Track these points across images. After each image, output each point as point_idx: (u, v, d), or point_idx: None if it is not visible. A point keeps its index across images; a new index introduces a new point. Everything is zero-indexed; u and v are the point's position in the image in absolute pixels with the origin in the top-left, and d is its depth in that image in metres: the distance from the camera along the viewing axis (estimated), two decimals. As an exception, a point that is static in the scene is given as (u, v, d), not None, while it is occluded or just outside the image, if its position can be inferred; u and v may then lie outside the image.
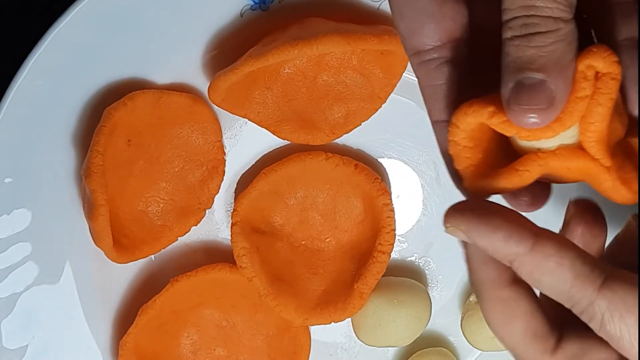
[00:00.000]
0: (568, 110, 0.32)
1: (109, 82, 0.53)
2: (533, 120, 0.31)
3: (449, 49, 0.36)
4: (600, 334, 0.31)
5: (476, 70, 0.36)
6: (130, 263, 0.56)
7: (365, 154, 0.57)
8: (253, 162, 0.57)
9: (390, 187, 0.57)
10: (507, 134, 0.33)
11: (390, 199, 0.56)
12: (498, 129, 0.33)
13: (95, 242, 0.53)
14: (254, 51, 0.52)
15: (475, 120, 0.33)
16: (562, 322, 0.33)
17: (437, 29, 0.35)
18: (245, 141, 0.57)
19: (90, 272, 0.56)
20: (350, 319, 0.56)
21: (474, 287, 0.34)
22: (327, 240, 0.57)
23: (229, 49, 0.54)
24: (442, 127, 0.36)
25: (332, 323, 0.55)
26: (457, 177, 0.36)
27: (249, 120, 0.56)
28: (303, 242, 0.57)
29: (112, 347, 0.56)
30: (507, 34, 0.31)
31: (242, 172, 0.57)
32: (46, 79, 0.52)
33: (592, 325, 0.31)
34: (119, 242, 0.54)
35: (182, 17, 0.53)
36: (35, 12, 0.58)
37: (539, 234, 0.32)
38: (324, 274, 0.57)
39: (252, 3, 0.53)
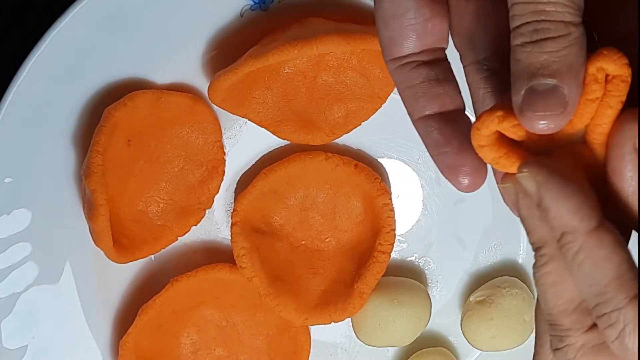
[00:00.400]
0: (579, 112, 0.32)
1: (109, 82, 0.53)
2: (546, 125, 0.31)
3: (425, 54, 0.37)
4: (613, 343, 0.31)
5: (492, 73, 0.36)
6: (130, 263, 0.56)
7: (365, 154, 0.57)
8: (253, 162, 0.57)
9: (390, 187, 0.57)
10: (517, 138, 0.33)
11: (390, 199, 0.56)
12: (508, 133, 0.33)
13: (95, 242, 0.53)
14: (254, 51, 0.52)
15: (488, 130, 0.33)
16: None
17: (418, 42, 0.37)
18: (245, 141, 0.57)
19: (90, 272, 0.56)
20: (350, 319, 0.56)
21: (531, 243, 0.33)
22: (327, 240, 0.57)
23: (228, 49, 0.54)
24: (424, 122, 0.37)
25: (332, 323, 0.55)
26: (449, 172, 0.37)
27: (249, 120, 0.56)
28: (303, 242, 0.57)
29: (112, 347, 0.56)
30: (518, 40, 0.31)
31: (242, 172, 0.57)
32: (46, 79, 0.52)
33: (608, 331, 0.31)
34: (119, 242, 0.54)
35: (182, 17, 0.53)
36: (35, 12, 0.58)
37: (603, 221, 0.31)
38: (324, 274, 0.57)
39: (252, 3, 0.53)
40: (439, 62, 0.37)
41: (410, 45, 0.37)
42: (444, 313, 0.59)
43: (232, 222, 0.55)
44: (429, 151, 0.37)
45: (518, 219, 0.34)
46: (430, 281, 0.59)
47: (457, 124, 0.37)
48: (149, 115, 0.54)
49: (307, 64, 0.55)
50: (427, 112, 0.37)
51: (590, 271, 0.31)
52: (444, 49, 0.38)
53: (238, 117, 0.56)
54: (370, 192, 0.56)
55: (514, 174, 0.33)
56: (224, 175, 0.57)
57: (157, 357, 0.57)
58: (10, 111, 0.52)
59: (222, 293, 0.57)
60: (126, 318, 0.56)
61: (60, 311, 0.55)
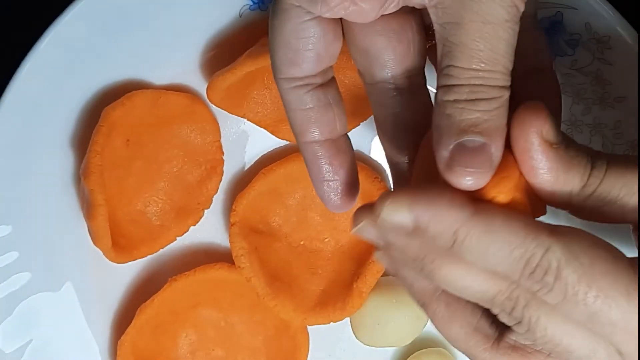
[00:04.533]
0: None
1: (108, 82, 0.53)
2: (472, 182, 0.31)
3: (320, 76, 0.38)
4: (556, 282, 0.31)
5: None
6: (129, 263, 0.56)
7: (364, 154, 0.57)
8: (252, 162, 0.57)
9: (390, 187, 0.57)
10: None
11: (390, 198, 0.56)
12: None
13: (94, 242, 0.53)
14: (253, 51, 0.52)
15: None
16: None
17: (318, 64, 0.37)
18: (244, 141, 0.57)
19: (89, 272, 0.56)
20: (349, 319, 0.56)
21: (416, 301, 0.35)
22: (326, 240, 0.57)
23: (227, 49, 0.54)
24: (312, 147, 0.38)
25: (331, 323, 0.55)
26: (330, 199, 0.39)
27: (248, 120, 0.56)
28: (302, 242, 0.57)
29: (110, 347, 0.56)
30: (450, 96, 0.32)
31: (241, 172, 0.57)
32: (44, 78, 0.52)
33: (547, 278, 0.31)
34: (118, 242, 0.54)
35: (181, 17, 0.53)
36: (34, 11, 0.58)
37: (478, 202, 0.32)
38: (323, 274, 0.57)
39: (251, 3, 0.53)
40: (331, 83, 0.38)
41: (309, 67, 0.37)
42: (443, 313, 0.58)
43: (230, 222, 0.55)
44: (312, 176, 0.39)
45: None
46: (429, 281, 0.58)
47: (346, 155, 0.39)
48: (148, 115, 0.54)
49: (306, 63, 0.55)
50: (317, 138, 0.38)
51: (503, 241, 0.31)
52: (332, 67, 0.38)
53: (237, 117, 0.56)
54: (370, 192, 0.56)
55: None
56: (222, 175, 0.57)
57: (155, 358, 0.56)
58: (8, 111, 0.52)
59: (221, 293, 0.56)
60: (125, 318, 0.56)
61: (59, 311, 0.55)
